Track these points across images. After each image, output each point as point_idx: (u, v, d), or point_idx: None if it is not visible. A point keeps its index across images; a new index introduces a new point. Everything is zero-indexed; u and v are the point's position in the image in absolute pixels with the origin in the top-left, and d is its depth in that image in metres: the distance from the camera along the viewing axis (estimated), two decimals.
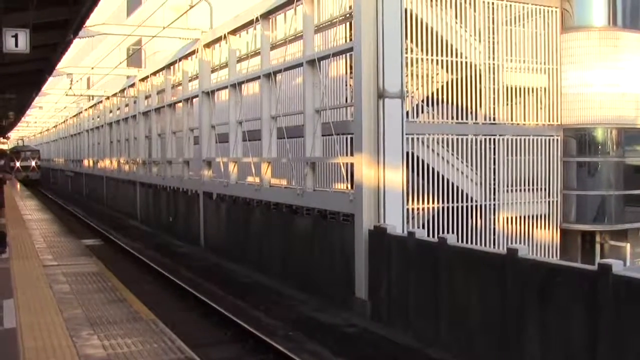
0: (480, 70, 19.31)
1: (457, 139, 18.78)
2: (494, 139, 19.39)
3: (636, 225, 21.05)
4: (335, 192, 18.56)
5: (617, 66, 20.51)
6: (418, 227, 16.95)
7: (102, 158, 49.39)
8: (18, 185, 57.33)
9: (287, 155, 21.42)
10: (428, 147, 18.19)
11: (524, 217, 19.93)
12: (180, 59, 30.29)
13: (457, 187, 18.69)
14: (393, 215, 16.06)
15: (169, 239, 30.67)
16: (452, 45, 18.73)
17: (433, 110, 19.14)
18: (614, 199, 20.84)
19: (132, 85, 39.75)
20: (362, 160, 16.12)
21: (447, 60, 18.76)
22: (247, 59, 25.18)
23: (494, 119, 19.61)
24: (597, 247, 21.05)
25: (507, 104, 19.94)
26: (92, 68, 36.85)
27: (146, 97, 37.75)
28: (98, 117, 51.87)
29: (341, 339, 14.55)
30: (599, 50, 20.57)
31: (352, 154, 17.32)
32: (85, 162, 57.16)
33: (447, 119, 19.01)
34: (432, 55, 18.38)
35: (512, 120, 20.04)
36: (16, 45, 13.79)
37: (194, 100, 29.30)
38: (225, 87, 25.17)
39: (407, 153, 16.86)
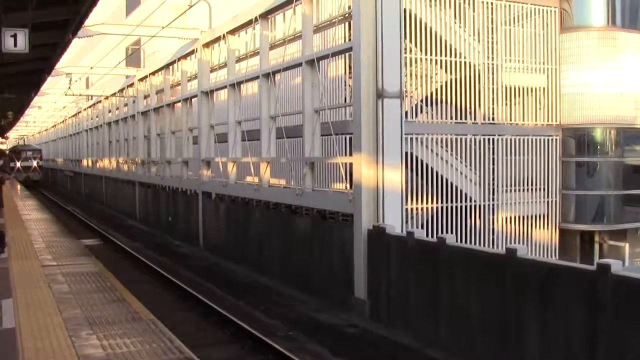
0: (479, 70, 19.31)
1: (456, 139, 18.77)
2: (493, 139, 19.38)
3: (635, 225, 21.06)
4: (334, 192, 18.56)
5: (616, 66, 20.51)
6: (417, 227, 16.94)
7: (101, 158, 49.39)
8: (18, 187, 55.98)
9: (286, 155, 21.42)
10: (427, 147, 18.18)
11: (523, 217, 19.93)
12: (179, 59, 30.28)
13: (456, 187, 18.69)
14: (392, 215, 16.07)
15: (168, 238, 30.67)
16: (451, 45, 18.73)
17: (432, 110, 19.14)
18: (613, 198, 20.84)
19: (131, 85, 39.75)
20: (361, 160, 16.12)
21: (446, 60, 18.75)
22: (246, 59, 25.16)
23: (493, 119, 19.61)
24: (596, 247, 21.05)
25: (506, 104, 19.93)
26: (91, 68, 36.81)
27: (145, 97, 37.74)
28: (97, 116, 51.87)
29: (341, 339, 14.55)
30: (598, 50, 20.57)
31: (351, 154, 17.32)
32: (85, 162, 57.14)
33: (446, 119, 19.00)
34: (431, 55, 18.38)
35: (511, 120, 20.04)
36: (15, 45, 13.78)
37: (193, 100, 29.29)
38: (224, 87, 25.16)
39: (406, 153, 16.86)
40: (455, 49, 18.83)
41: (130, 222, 37.99)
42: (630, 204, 21.06)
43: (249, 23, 22.59)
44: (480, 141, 19.19)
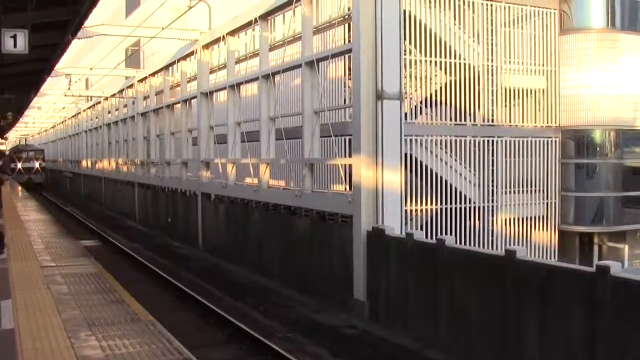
0: (478, 71, 19.31)
1: (456, 141, 18.78)
2: (493, 141, 19.39)
3: (634, 227, 21.06)
4: (333, 194, 18.57)
5: (616, 68, 20.52)
6: (416, 229, 16.94)
7: (101, 159, 49.38)
8: (19, 189, 53.57)
9: (286, 157, 21.42)
10: (426, 148, 18.18)
11: (523, 219, 19.93)
12: (178, 60, 30.28)
13: (456, 189, 18.69)
14: (391, 217, 16.07)
15: (168, 239, 30.66)
16: (450, 47, 18.74)
17: (431, 111, 19.14)
18: (612, 200, 20.84)
19: (131, 86, 39.75)
20: (361, 161, 16.13)
21: (445, 62, 18.75)
22: (245, 60, 25.19)
23: (493, 121, 19.61)
24: (595, 248, 21.04)
25: (506, 106, 19.94)
26: (91, 69, 36.85)
27: (145, 98, 37.75)
28: (96, 117, 51.85)
29: (340, 340, 14.55)
30: (597, 52, 20.58)
31: (350, 156, 17.32)
32: (84, 163, 57.09)
33: (445, 120, 19.01)
34: (430, 56, 18.38)
35: (510, 121, 20.05)
36: (15, 45, 13.78)
37: (193, 101, 29.29)
38: (224, 88, 25.17)
39: (406, 154, 16.86)
40: (455, 51, 18.84)
41: (129, 223, 37.97)
42: (630, 205, 21.06)
43: (248, 24, 22.60)
44: (479, 143, 19.20)
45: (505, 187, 19.60)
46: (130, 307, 12.14)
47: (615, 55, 20.59)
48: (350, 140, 17.55)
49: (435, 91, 19.00)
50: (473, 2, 19.21)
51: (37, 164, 66.94)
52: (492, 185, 19.37)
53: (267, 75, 21.32)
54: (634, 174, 21.34)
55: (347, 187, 17.43)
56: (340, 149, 18.94)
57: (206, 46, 26.85)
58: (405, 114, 17.29)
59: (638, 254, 21.20)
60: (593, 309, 10.39)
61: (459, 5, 18.93)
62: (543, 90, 20.59)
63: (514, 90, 20.06)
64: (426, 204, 18.14)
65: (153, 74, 35.51)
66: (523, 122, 20.29)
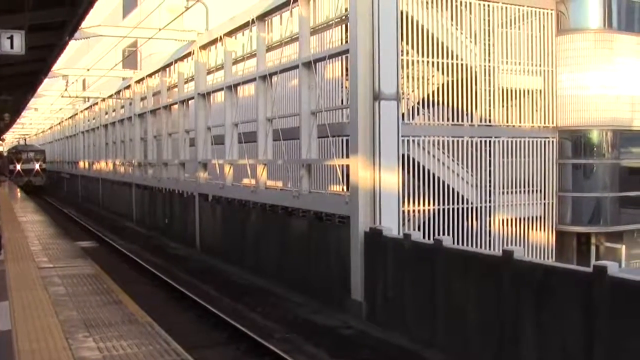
0: (475, 72, 19.33)
1: (453, 141, 18.79)
2: (490, 141, 19.40)
3: (631, 227, 21.10)
4: (331, 194, 18.57)
5: (612, 68, 20.56)
6: (414, 229, 16.94)
7: (98, 160, 49.32)
8: (18, 193, 50.63)
9: (283, 157, 21.42)
10: (424, 149, 18.19)
11: (520, 219, 19.95)
12: (176, 61, 30.27)
13: (453, 189, 18.70)
14: (389, 217, 16.07)
15: (165, 240, 30.62)
16: (447, 47, 18.75)
17: (429, 112, 19.15)
18: (610, 200, 20.87)
19: (128, 87, 39.72)
20: (358, 162, 16.12)
21: (442, 63, 18.77)
22: (242, 61, 25.17)
23: (490, 121, 19.63)
24: (593, 249, 21.07)
25: (503, 106, 19.96)
26: (88, 70, 36.79)
27: (142, 99, 37.72)
28: (93, 118, 51.78)
29: (338, 341, 14.54)
30: (594, 53, 20.62)
31: (347, 156, 17.32)
32: (81, 164, 56.99)
33: (442, 121, 19.02)
34: (427, 57, 18.39)
35: (507, 122, 20.07)
36: (11, 46, 13.75)
37: (190, 102, 29.27)
38: (221, 89, 25.16)
39: (403, 155, 16.87)
40: (452, 51, 18.86)
41: (126, 224, 37.92)
42: (627, 206, 21.09)
43: (245, 25, 22.59)
44: (476, 143, 19.21)
45: (503, 188, 19.62)
46: (128, 308, 12.13)
47: (612, 56, 20.63)
48: (347, 141, 17.56)
49: (433, 92, 19.02)
50: (470, 3, 19.23)
51: (37, 166, 62.65)
52: (490, 186, 19.39)
53: (265, 76, 21.31)
54: (631, 174, 21.37)
55: (345, 188, 17.42)
56: (337, 149, 18.94)
57: (203, 47, 26.84)
58: (403, 115, 17.29)
59: (635, 254, 21.23)
60: (590, 309, 10.40)
61: (456, 6, 18.95)
62: (540, 90, 20.61)
63: (511, 90, 20.08)
64: (423, 205, 18.15)
65: (150, 75, 35.47)
66: (520, 122, 20.32)
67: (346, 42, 17.82)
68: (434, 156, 18.39)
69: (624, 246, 20.91)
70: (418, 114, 19.16)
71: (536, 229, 20.34)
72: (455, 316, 13.28)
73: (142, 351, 9.41)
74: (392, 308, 15.17)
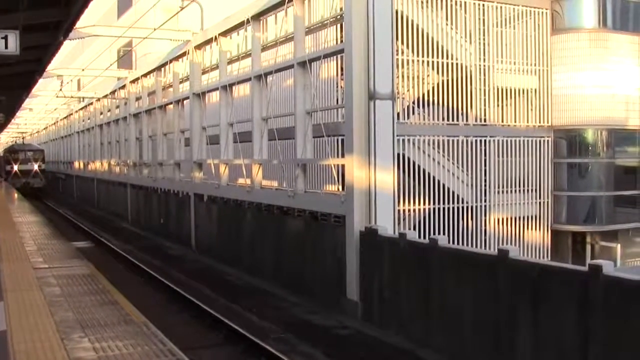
0: (471, 71, 19.33)
1: (448, 141, 18.79)
2: (485, 141, 19.41)
3: (626, 226, 21.13)
4: (326, 194, 18.56)
5: (607, 67, 20.58)
6: (409, 229, 16.95)
7: (93, 160, 49.23)
8: (15, 195, 47.15)
9: (279, 157, 21.41)
10: (419, 148, 18.18)
11: (515, 218, 19.96)
12: (171, 61, 30.22)
13: (448, 189, 18.70)
14: (384, 217, 16.08)
15: (160, 241, 30.59)
16: (442, 47, 18.75)
17: (424, 111, 19.15)
18: (605, 199, 20.91)
19: (123, 87, 39.66)
20: (353, 161, 16.13)
21: (437, 62, 18.77)
22: (237, 61, 25.15)
23: (485, 121, 19.64)
24: (588, 248, 21.10)
25: (498, 106, 19.97)
26: (83, 70, 36.75)
27: (137, 99, 37.66)
28: (88, 118, 51.68)
29: (333, 341, 14.55)
30: (589, 52, 20.64)
31: (343, 156, 17.32)
32: (76, 164, 56.84)
33: (438, 120, 19.02)
34: (422, 56, 18.39)
35: (502, 121, 20.07)
36: (6, 46, 13.74)
37: (185, 101, 29.25)
38: (216, 89, 25.13)
39: (398, 154, 16.88)
40: (447, 51, 18.86)
41: (122, 224, 37.88)
42: (622, 205, 21.13)
43: (240, 25, 22.58)
44: (472, 142, 19.21)
45: (498, 187, 19.63)
46: (123, 308, 12.09)
47: (607, 55, 20.66)
48: (342, 141, 17.55)
49: (428, 91, 19.02)
50: (465, 2, 19.23)
51: (36, 166, 58.68)
52: (485, 185, 19.40)
53: (260, 75, 21.30)
54: (625, 174, 21.41)
55: (340, 188, 17.42)
56: (332, 149, 18.94)
57: (198, 47, 26.81)
58: (398, 114, 17.30)
59: (630, 253, 21.27)
60: (586, 308, 10.42)
61: (451, 5, 18.94)
62: (535, 89, 20.63)
63: (506, 90, 20.09)
64: (419, 204, 18.15)
65: (145, 75, 35.43)
66: (515, 121, 20.32)
67: (341, 41, 17.81)
68: (429, 155, 18.39)
69: (619, 245, 20.95)
70: (413, 113, 19.16)
71: (531, 228, 20.36)
72: (451, 316, 13.29)
73: (137, 352, 9.38)
74: (388, 307, 15.17)
